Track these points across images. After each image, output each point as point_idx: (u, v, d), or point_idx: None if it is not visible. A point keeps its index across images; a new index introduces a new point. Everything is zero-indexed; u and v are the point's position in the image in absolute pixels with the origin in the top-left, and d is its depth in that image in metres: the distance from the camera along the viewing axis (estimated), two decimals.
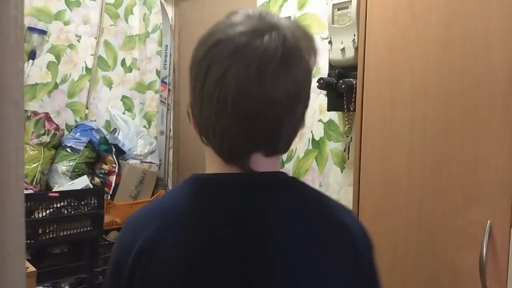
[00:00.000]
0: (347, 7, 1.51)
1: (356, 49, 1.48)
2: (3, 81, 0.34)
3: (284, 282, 0.59)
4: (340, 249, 0.64)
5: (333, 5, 1.56)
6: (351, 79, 1.53)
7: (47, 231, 2.10)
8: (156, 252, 0.59)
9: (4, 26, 0.34)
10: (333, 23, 1.56)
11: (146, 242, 0.60)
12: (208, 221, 0.61)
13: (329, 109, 1.73)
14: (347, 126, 1.68)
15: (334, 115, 1.77)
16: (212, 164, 0.66)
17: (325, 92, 1.74)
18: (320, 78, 1.60)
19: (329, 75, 1.65)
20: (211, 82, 0.59)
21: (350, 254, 0.65)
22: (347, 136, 1.70)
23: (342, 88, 1.53)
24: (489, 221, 1.03)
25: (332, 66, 1.65)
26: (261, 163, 0.64)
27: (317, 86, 1.62)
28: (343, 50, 1.54)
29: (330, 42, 1.59)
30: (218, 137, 0.61)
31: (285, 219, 0.62)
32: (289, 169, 1.96)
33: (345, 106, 1.57)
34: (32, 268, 1.68)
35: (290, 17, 1.91)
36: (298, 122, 0.64)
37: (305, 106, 0.65)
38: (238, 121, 0.59)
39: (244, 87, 0.57)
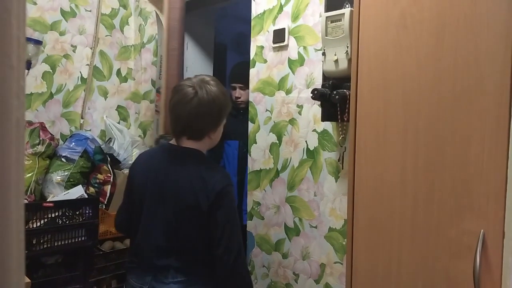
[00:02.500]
0: (340, 20, 1.53)
1: (349, 60, 1.50)
2: (5, 100, 0.34)
3: (172, 188, 1.43)
4: (193, 183, 1.40)
5: (326, 17, 1.58)
6: (345, 90, 1.55)
7: (41, 241, 2.09)
8: (134, 165, 1.60)
9: (6, 45, 0.35)
10: (326, 35, 1.58)
11: (134, 162, 1.64)
12: (154, 159, 1.54)
13: (323, 119, 1.75)
14: (341, 136, 1.69)
15: (328, 125, 1.79)
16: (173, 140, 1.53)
17: (319, 102, 1.75)
18: (314, 89, 1.62)
19: (323, 86, 1.67)
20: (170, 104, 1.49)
21: (203, 192, 1.38)
22: (341, 146, 1.72)
23: (336, 98, 1.55)
24: (482, 230, 1.04)
25: (325, 77, 1.67)
26: (185, 142, 1.47)
27: (311, 97, 1.63)
28: (336, 61, 1.56)
29: (323, 54, 1.61)
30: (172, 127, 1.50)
31: (179, 167, 1.45)
32: (283, 178, 1.97)
33: (339, 117, 1.59)
34: (26, 279, 1.67)
35: (284, 28, 1.93)
36: (201, 128, 1.45)
37: (208, 120, 1.45)
38: (174, 121, 1.46)
39: (175, 106, 1.45)
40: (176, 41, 2.31)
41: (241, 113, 2.62)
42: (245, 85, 2.56)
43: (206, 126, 1.45)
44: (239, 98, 2.60)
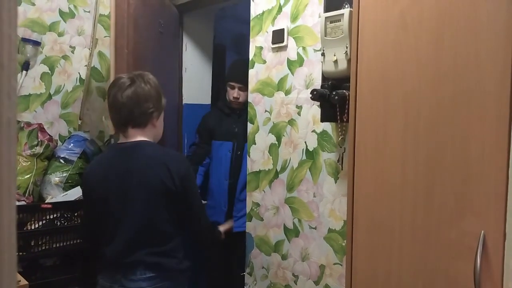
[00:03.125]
0: (339, 20, 1.53)
1: (349, 61, 1.50)
2: None
3: (136, 180, 1.47)
4: (156, 170, 1.46)
5: (326, 18, 1.57)
6: (344, 91, 1.54)
7: (39, 243, 2.08)
8: (88, 174, 1.58)
9: None
10: (325, 36, 1.58)
11: (85, 171, 1.64)
12: (109, 161, 1.54)
13: (322, 120, 1.74)
14: (341, 136, 1.68)
15: (328, 126, 1.78)
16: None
17: (318, 103, 1.75)
18: (314, 90, 1.61)
19: (322, 86, 1.66)
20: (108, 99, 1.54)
21: (169, 176, 1.45)
22: (341, 147, 1.71)
23: (335, 99, 1.54)
24: (482, 231, 1.03)
25: (325, 77, 1.66)
26: (131, 133, 1.51)
27: (311, 98, 1.63)
28: (335, 62, 1.55)
29: (323, 54, 1.60)
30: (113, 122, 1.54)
31: (137, 161, 1.48)
32: (283, 179, 1.97)
33: (338, 117, 1.58)
34: (24, 282, 1.66)
35: (283, 29, 1.92)
36: (143, 111, 1.48)
37: (149, 103, 1.49)
38: (117, 111, 1.49)
39: (114, 97, 1.48)
40: (125, 39, 2.15)
41: (237, 114, 2.53)
42: (245, 85, 2.48)
43: (147, 109, 1.49)
44: (238, 98, 2.49)
